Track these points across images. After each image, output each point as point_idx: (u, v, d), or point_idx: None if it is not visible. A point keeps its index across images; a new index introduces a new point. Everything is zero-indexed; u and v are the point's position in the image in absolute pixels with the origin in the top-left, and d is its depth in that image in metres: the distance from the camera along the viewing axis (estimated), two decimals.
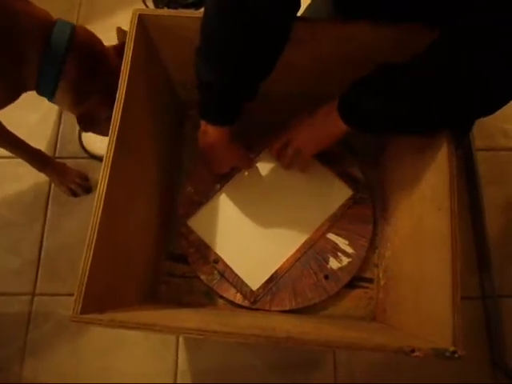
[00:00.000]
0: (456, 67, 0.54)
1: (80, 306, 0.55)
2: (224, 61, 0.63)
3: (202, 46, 0.64)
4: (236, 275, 0.85)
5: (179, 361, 0.92)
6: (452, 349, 0.53)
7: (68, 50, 0.73)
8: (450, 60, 0.55)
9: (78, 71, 0.75)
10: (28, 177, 1.06)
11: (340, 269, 0.85)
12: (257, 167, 0.92)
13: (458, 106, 0.58)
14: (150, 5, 1.25)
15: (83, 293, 0.56)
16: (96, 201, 0.60)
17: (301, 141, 0.79)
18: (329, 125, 0.71)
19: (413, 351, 0.52)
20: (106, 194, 0.60)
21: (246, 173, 0.92)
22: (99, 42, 0.81)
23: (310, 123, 0.75)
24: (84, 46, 0.76)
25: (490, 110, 0.57)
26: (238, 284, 0.84)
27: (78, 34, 0.75)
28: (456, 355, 0.53)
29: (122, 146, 0.64)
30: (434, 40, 0.58)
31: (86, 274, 0.56)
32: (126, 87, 0.65)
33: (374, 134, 0.88)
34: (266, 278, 0.84)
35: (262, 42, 0.61)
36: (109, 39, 1.20)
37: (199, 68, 0.66)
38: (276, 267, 0.85)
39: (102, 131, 0.81)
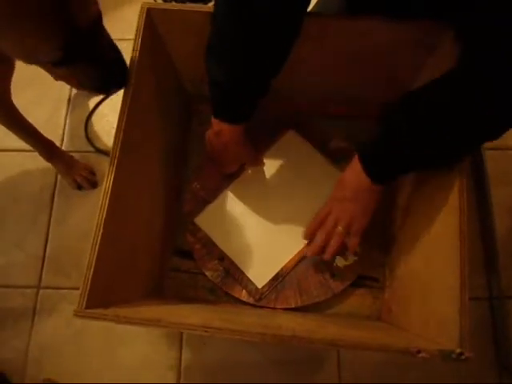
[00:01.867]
0: (474, 96, 0.54)
1: (85, 300, 0.55)
2: (235, 58, 0.62)
3: (212, 45, 0.63)
4: (242, 272, 0.84)
5: (183, 356, 0.92)
6: (458, 350, 0.53)
7: None
8: (467, 90, 0.55)
9: None
10: (34, 170, 1.06)
11: (346, 267, 0.84)
12: (263, 165, 0.91)
13: (481, 133, 0.58)
14: None
15: (88, 287, 0.56)
16: (102, 196, 0.60)
17: (345, 216, 0.73)
18: (364, 191, 0.69)
19: (419, 352, 0.52)
20: (112, 189, 0.60)
21: (252, 171, 0.91)
22: None
23: (349, 199, 0.72)
24: None
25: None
26: (244, 281, 0.84)
27: None
28: (462, 357, 0.52)
29: (128, 141, 0.63)
30: (443, 77, 0.58)
31: (92, 269, 0.56)
32: (134, 81, 0.65)
33: None
34: (272, 275, 0.84)
35: (272, 37, 0.61)
36: (117, 33, 1.20)
37: (211, 67, 0.65)
38: (282, 265, 0.85)
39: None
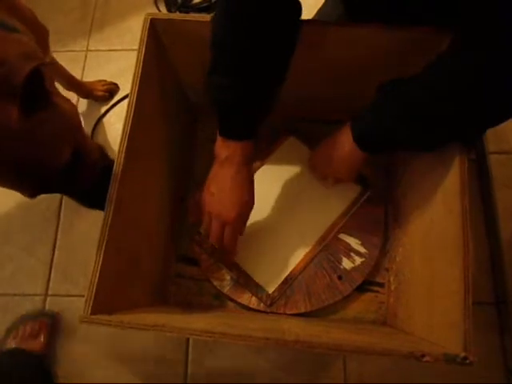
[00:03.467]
0: (466, 74, 0.54)
1: (90, 307, 0.56)
2: (238, 70, 0.62)
3: (213, 65, 0.64)
4: (251, 279, 0.85)
5: (189, 362, 0.92)
6: (463, 354, 0.52)
7: None
8: (460, 67, 0.55)
9: None
10: None
11: (353, 269, 0.84)
12: (266, 171, 0.92)
13: (471, 116, 0.57)
14: (163, 9, 1.26)
15: (93, 294, 0.56)
16: (107, 204, 0.60)
17: (333, 173, 0.79)
18: (349, 154, 0.70)
19: (423, 356, 0.52)
20: (116, 196, 0.61)
21: (256, 176, 0.91)
22: None
23: (329, 156, 0.75)
24: None
25: (504, 116, 0.56)
26: (253, 288, 0.84)
27: None
28: (467, 361, 0.52)
29: (133, 149, 0.64)
30: (440, 54, 0.58)
31: (97, 277, 0.57)
32: (138, 90, 0.66)
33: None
34: (281, 279, 0.84)
35: (270, 46, 0.61)
36: (123, 43, 1.22)
37: (215, 86, 0.65)
38: (290, 269, 0.85)
39: None
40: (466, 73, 0.54)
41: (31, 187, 0.60)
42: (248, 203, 0.74)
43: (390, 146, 0.68)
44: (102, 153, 0.69)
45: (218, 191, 0.72)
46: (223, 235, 0.74)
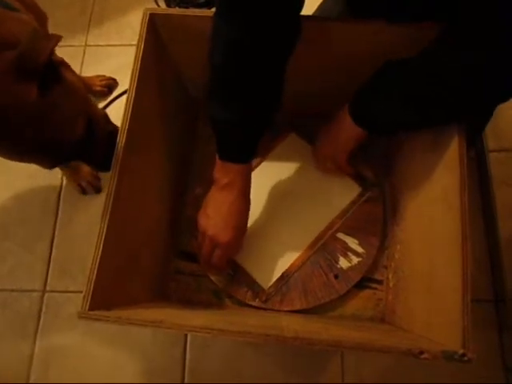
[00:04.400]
0: (463, 56, 0.54)
1: (88, 302, 0.55)
2: (240, 95, 0.63)
3: (214, 86, 0.64)
4: (247, 274, 0.85)
5: (187, 358, 0.92)
6: (461, 351, 0.52)
7: None
8: (457, 50, 0.55)
9: None
10: (40, 175, 1.07)
11: (350, 268, 0.84)
12: (265, 167, 0.92)
13: (468, 93, 0.58)
14: (162, 4, 1.25)
15: (91, 290, 0.56)
16: (105, 199, 0.60)
17: (328, 152, 0.80)
18: (345, 130, 0.71)
19: (421, 353, 0.52)
20: (115, 191, 0.60)
21: (255, 173, 0.91)
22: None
23: (328, 132, 0.76)
24: None
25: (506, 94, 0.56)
26: (250, 283, 0.84)
27: None
28: (465, 358, 0.52)
29: (132, 145, 0.64)
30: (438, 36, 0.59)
31: (95, 272, 0.57)
32: (137, 85, 0.66)
33: (389, 135, 0.88)
34: (277, 276, 0.84)
35: (271, 66, 0.62)
36: (122, 38, 1.22)
37: (216, 109, 0.65)
38: (287, 266, 0.85)
39: None
40: (464, 69, 0.55)
41: (51, 160, 0.63)
42: (242, 229, 0.76)
43: (387, 126, 0.67)
44: (107, 119, 0.71)
45: (214, 214, 0.73)
46: (213, 256, 0.75)
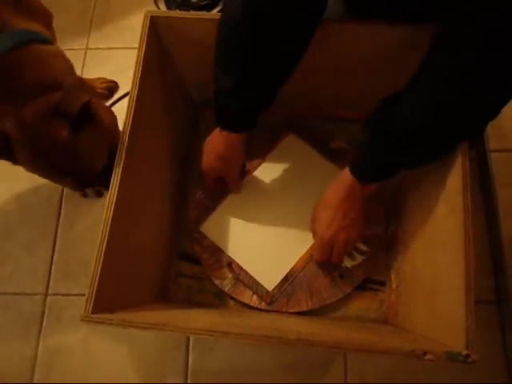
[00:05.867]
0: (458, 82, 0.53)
1: (91, 305, 0.56)
2: (245, 63, 0.63)
3: (220, 53, 0.65)
4: (251, 277, 0.85)
5: (190, 360, 0.92)
6: (465, 352, 0.52)
7: None
8: (444, 80, 0.54)
9: None
10: (41, 178, 1.07)
11: (354, 267, 0.84)
12: (265, 168, 0.92)
13: (462, 123, 0.57)
14: (162, 7, 1.25)
15: (94, 293, 0.56)
16: (107, 201, 0.60)
17: (344, 237, 0.75)
18: (354, 197, 0.71)
19: (425, 354, 0.52)
20: (117, 194, 0.61)
21: (254, 175, 0.92)
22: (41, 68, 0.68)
23: (336, 215, 0.73)
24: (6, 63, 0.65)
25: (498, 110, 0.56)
26: (254, 286, 0.84)
27: (18, 52, 0.65)
28: (469, 359, 0.52)
29: (133, 148, 0.64)
30: (418, 72, 0.58)
31: (97, 275, 0.57)
32: (138, 88, 0.66)
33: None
34: (281, 277, 0.84)
35: (286, 45, 0.63)
36: (123, 42, 1.22)
37: (217, 74, 0.67)
38: (290, 266, 0.85)
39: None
40: (458, 81, 0.54)
41: (76, 184, 0.72)
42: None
43: (393, 172, 0.67)
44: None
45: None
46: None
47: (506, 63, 0.51)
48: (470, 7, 0.50)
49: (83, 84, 0.70)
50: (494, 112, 0.56)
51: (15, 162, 0.70)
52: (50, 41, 0.73)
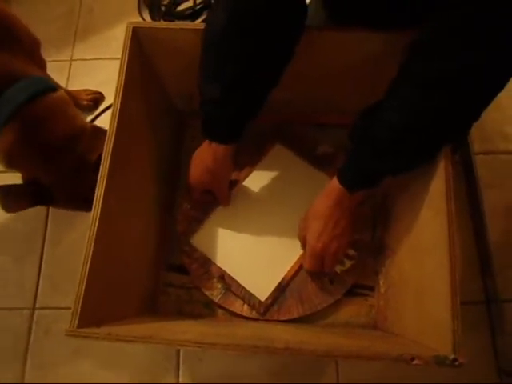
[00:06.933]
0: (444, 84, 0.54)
1: (77, 320, 0.55)
2: (231, 74, 0.64)
3: (206, 64, 0.65)
4: (243, 288, 0.84)
5: (180, 372, 0.91)
6: (452, 356, 0.52)
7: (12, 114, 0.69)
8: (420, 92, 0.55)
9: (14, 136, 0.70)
10: None
11: (344, 272, 0.84)
12: (254, 178, 0.92)
13: (444, 127, 0.58)
14: (147, 17, 1.25)
15: (80, 306, 0.56)
16: (92, 213, 0.60)
17: (335, 246, 0.74)
18: (342, 206, 0.71)
19: (413, 359, 0.52)
20: (102, 206, 0.60)
21: (242, 186, 0.92)
22: (57, 118, 0.74)
23: (327, 225, 0.73)
24: (30, 117, 0.70)
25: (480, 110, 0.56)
26: (246, 296, 0.83)
27: (38, 103, 0.71)
28: (456, 363, 0.52)
29: (118, 159, 0.64)
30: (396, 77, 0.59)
31: (83, 288, 0.57)
32: (121, 99, 0.65)
33: None
34: (274, 287, 0.84)
35: (271, 54, 0.63)
36: (108, 52, 1.22)
37: (203, 85, 0.67)
38: (282, 275, 0.84)
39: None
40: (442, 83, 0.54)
41: None
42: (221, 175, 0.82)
43: (380, 179, 0.67)
44: None
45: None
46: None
47: (489, 66, 0.51)
48: (448, 13, 0.51)
49: (98, 131, 0.76)
50: (476, 115, 0.57)
51: (48, 205, 0.79)
52: (56, 87, 0.76)
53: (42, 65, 0.81)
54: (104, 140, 0.64)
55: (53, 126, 0.72)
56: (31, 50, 0.77)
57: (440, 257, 0.58)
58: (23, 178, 0.77)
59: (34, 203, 0.75)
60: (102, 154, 0.63)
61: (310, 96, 0.84)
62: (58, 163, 0.72)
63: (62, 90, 0.78)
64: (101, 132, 0.73)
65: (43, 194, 0.74)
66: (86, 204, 0.63)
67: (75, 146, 0.73)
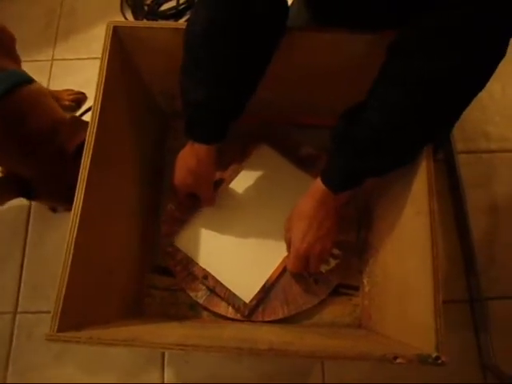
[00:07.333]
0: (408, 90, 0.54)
1: (57, 324, 0.54)
2: (213, 76, 0.63)
3: (188, 65, 0.64)
4: (227, 290, 0.83)
5: (165, 375, 0.90)
6: (435, 355, 0.53)
7: None
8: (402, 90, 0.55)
9: None
10: None
11: (329, 272, 0.84)
12: (239, 180, 0.92)
13: (427, 125, 0.58)
14: (130, 16, 1.24)
15: (60, 310, 0.55)
16: (72, 215, 0.59)
17: (320, 247, 0.73)
18: (327, 207, 0.70)
19: (395, 358, 0.52)
20: (82, 209, 0.59)
21: (227, 187, 0.91)
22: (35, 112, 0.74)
23: (311, 225, 0.72)
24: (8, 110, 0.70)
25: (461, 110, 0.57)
26: (230, 298, 0.83)
27: (15, 96, 0.71)
28: (439, 361, 0.52)
29: (98, 160, 0.63)
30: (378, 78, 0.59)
31: (63, 291, 0.56)
32: (102, 98, 0.65)
33: None
34: (258, 288, 0.83)
35: (252, 52, 0.63)
36: (90, 52, 1.21)
37: (185, 85, 0.66)
38: (266, 277, 0.84)
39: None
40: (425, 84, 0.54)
41: None
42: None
43: (362, 179, 0.67)
44: None
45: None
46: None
47: (470, 67, 0.52)
48: (430, 14, 0.51)
49: (77, 121, 0.76)
50: (456, 115, 0.57)
51: (31, 198, 0.79)
52: (32, 79, 0.76)
53: (17, 61, 0.80)
54: (85, 129, 0.62)
55: (31, 118, 0.71)
56: (8, 46, 0.75)
57: (422, 255, 0.58)
58: (3, 171, 0.75)
59: (15, 195, 0.75)
60: (83, 141, 0.62)
61: (292, 97, 0.84)
62: (38, 156, 0.71)
63: (39, 82, 0.78)
64: (80, 122, 0.74)
65: (25, 186, 0.74)
66: (70, 192, 0.62)
67: (54, 137, 0.72)
